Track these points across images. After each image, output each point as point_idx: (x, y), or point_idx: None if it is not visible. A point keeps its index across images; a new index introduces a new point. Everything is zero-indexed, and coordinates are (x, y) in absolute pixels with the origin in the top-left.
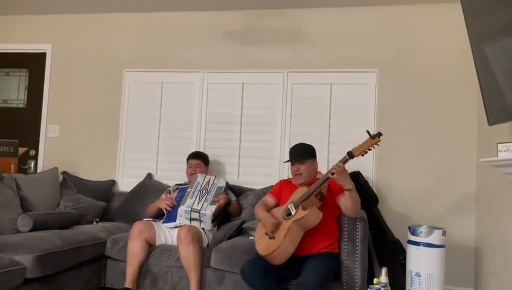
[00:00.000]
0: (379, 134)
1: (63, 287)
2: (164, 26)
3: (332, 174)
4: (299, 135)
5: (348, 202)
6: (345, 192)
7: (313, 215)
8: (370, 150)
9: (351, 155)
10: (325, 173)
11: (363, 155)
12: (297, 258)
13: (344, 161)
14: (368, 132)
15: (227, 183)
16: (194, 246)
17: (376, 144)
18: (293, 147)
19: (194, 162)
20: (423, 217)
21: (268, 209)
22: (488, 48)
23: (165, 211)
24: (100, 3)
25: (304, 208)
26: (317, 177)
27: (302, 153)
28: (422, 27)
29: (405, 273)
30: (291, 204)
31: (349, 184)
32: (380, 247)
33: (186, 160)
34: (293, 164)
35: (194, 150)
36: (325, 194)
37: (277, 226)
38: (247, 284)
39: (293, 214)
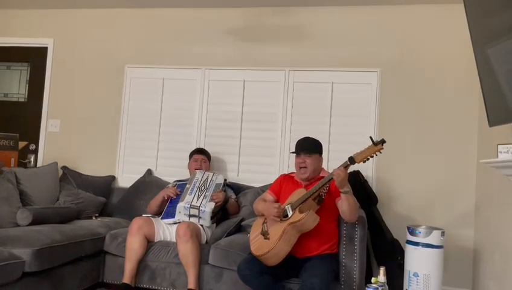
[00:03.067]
0: (382, 141)
1: (61, 282)
2: (166, 22)
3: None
4: (300, 133)
5: (344, 205)
6: (341, 195)
7: (310, 219)
8: (372, 157)
9: (352, 161)
10: (328, 174)
11: (364, 162)
12: (296, 260)
13: (345, 165)
14: (371, 138)
15: (225, 180)
16: (193, 242)
17: (379, 151)
18: (301, 139)
19: (200, 157)
20: (422, 218)
21: None
22: (490, 50)
23: (168, 197)
24: None
25: (301, 211)
26: (322, 175)
27: (311, 146)
28: (425, 27)
29: (403, 273)
30: (289, 205)
31: (346, 187)
32: (378, 246)
33: (189, 155)
34: (298, 155)
35: (194, 147)
36: (323, 197)
37: (281, 212)
38: (244, 283)
39: (289, 215)
